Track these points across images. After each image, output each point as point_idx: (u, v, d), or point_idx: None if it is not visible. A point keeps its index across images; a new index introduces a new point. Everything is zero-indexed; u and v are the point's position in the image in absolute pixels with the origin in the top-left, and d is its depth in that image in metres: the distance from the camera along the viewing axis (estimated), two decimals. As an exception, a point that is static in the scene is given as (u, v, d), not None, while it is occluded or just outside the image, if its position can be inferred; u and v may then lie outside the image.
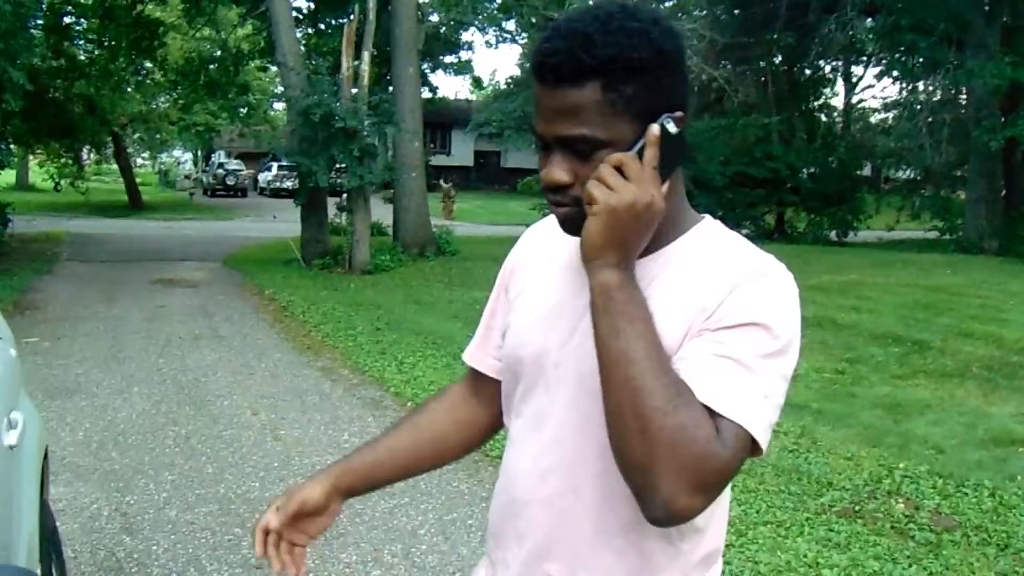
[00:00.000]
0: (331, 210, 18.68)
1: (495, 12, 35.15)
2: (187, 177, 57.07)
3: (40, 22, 23.98)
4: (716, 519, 1.56)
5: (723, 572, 1.66)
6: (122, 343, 10.27)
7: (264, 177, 50.08)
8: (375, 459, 1.84)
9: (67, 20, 28.48)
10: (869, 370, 8.97)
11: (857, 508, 5.49)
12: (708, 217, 1.58)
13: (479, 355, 1.87)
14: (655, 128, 1.38)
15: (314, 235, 18.63)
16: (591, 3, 1.43)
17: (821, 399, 7.96)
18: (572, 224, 1.46)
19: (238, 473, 6.13)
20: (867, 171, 35.72)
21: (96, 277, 16.18)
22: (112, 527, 5.22)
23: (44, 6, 24.30)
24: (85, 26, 29.48)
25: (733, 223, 29.32)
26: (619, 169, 1.36)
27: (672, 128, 1.39)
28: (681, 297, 1.45)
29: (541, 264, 1.69)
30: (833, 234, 28.45)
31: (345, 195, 17.42)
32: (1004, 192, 24.46)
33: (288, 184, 40.04)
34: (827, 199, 28.41)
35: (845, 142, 32.42)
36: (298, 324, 11.78)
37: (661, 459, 1.27)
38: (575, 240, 1.45)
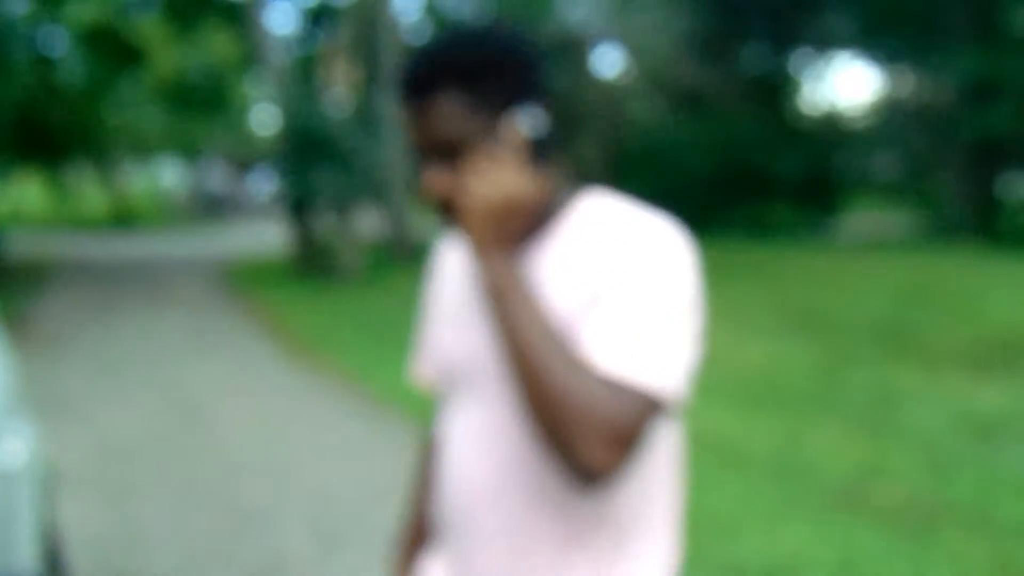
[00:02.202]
0: (321, 220, 18.74)
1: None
2: (176, 192, 56.95)
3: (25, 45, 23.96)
4: (643, 483, 1.63)
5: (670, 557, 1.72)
6: (117, 359, 10.32)
7: (253, 190, 50.04)
8: (421, 522, 1.99)
9: (51, 43, 28.48)
10: (856, 360, 9.04)
11: (849, 497, 5.55)
12: (592, 192, 1.65)
13: (422, 371, 1.98)
14: (514, 124, 1.50)
15: (305, 246, 18.68)
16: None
17: (810, 390, 8.03)
18: (455, 225, 1.56)
19: (237, 484, 6.18)
20: (847, 164, 35.76)
21: (89, 294, 16.22)
22: (115, 542, 5.27)
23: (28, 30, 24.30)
24: (70, 48, 29.47)
25: (715, 222, 29.19)
26: (485, 167, 1.48)
27: (531, 121, 1.51)
28: (572, 271, 1.53)
29: (454, 273, 1.79)
30: (816, 227, 28.48)
31: (335, 206, 17.48)
32: (984, 180, 24.54)
33: (278, 197, 39.98)
34: (810, 193, 28.44)
35: (824, 137, 32.45)
36: (292, 334, 11.82)
37: (574, 428, 1.36)
38: None
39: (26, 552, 2.88)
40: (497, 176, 1.47)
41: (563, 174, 1.64)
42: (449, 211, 1.56)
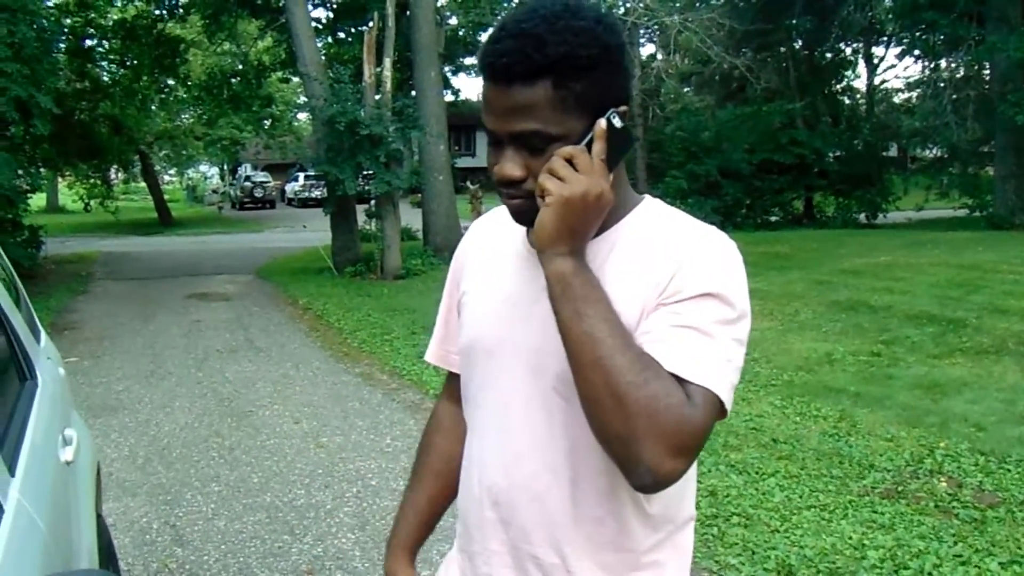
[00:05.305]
0: (360, 217, 18.75)
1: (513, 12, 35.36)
2: (215, 191, 57.42)
3: (63, 46, 24.19)
4: (682, 484, 1.57)
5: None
6: (161, 358, 10.38)
7: (291, 187, 50.28)
8: (424, 519, 1.98)
9: (89, 42, 28.77)
10: (905, 351, 8.95)
11: (900, 488, 5.50)
12: (648, 197, 1.66)
13: (441, 352, 1.97)
14: (602, 123, 1.45)
15: (344, 243, 18.72)
16: (534, 2, 1.49)
17: (858, 382, 7.96)
18: (525, 216, 1.52)
19: (283, 481, 6.20)
20: (893, 152, 35.49)
21: (131, 294, 16.33)
22: (163, 540, 5.30)
23: (66, 30, 24.54)
24: (107, 47, 29.76)
25: (761, 210, 28.85)
26: (570, 162, 1.42)
27: (618, 122, 1.46)
28: (632, 275, 1.51)
29: (490, 256, 1.76)
30: (862, 217, 28.28)
31: (373, 201, 17.48)
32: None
33: (316, 193, 40.16)
34: (854, 182, 28.26)
35: (870, 124, 32.21)
36: (334, 332, 11.85)
37: (640, 429, 1.33)
38: (521, 230, 1.58)
39: (86, 541, 2.90)
40: (584, 173, 1.41)
41: (626, 178, 1.63)
42: (517, 198, 1.52)
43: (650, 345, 1.41)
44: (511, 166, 1.49)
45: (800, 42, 30.25)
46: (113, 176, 38.94)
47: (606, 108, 1.46)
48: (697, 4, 29.81)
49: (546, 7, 1.46)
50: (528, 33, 1.44)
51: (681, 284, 1.45)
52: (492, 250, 1.75)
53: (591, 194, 1.41)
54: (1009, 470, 5.73)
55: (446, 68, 37.03)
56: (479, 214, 29.54)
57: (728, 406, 1.43)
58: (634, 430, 1.33)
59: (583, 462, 1.54)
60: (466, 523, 1.76)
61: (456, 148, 45.22)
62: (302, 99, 37.39)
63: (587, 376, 1.38)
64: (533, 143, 1.47)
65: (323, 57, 22.27)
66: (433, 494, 1.96)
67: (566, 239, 1.42)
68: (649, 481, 1.37)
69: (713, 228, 1.56)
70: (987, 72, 25.37)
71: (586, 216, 1.43)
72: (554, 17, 1.44)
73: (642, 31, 29.00)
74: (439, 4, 23.36)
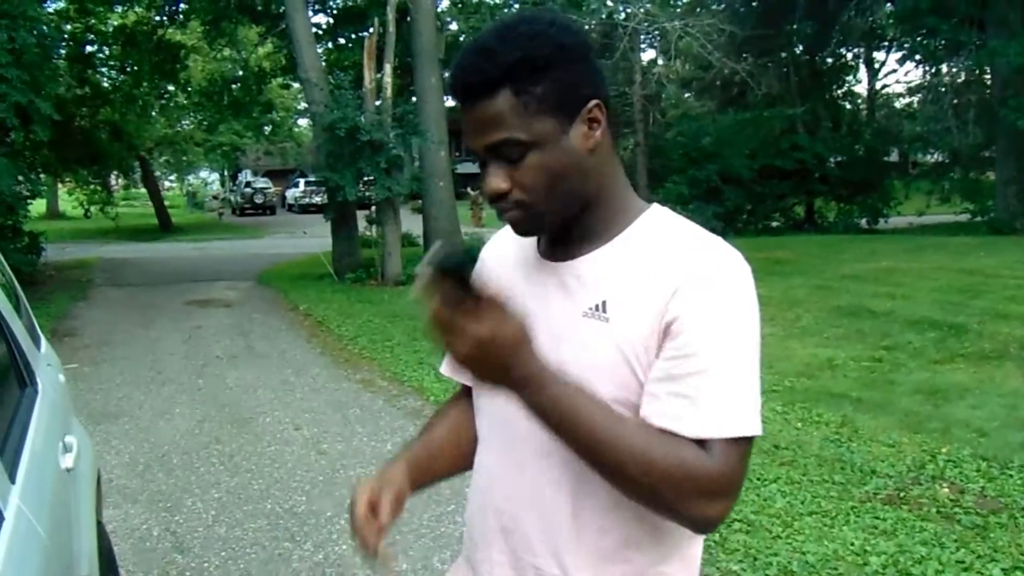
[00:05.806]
0: (361, 223, 18.73)
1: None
2: (215, 197, 57.47)
3: (63, 52, 24.20)
4: None
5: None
6: (161, 365, 10.36)
7: (292, 193, 50.31)
8: (433, 452, 1.86)
9: (90, 49, 28.80)
10: (907, 356, 8.94)
11: (902, 494, 5.48)
12: (656, 205, 1.63)
13: (455, 365, 1.90)
14: (423, 270, 1.34)
15: (345, 249, 18.71)
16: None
17: (860, 388, 7.95)
18: (521, 226, 1.56)
19: (284, 488, 6.18)
20: (895, 157, 35.47)
21: (131, 301, 16.31)
22: (163, 546, 5.28)
23: (67, 36, 24.55)
24: (108, 53, 29.80)
25: (762, 216, 28.82)
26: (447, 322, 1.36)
27: (441, 258, 1.33)
28: (634, 289, 1.50)
29: (502, 268, 1.74)
30: (864, 222, 28.29)
31: (374, 207, 17.47)
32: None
33: (316, 199, 40.16)
34: (856, 187, 28.29)
35: (871, 129, 32.22)
36: (334, 338, 11.84)
37: (670, 498, 1.40)
38: (528, 240, 1.65)
39: (87, 548, 2.89)
40: (459, 334, 1.36)
41: (625, 181, 1.62)
42: (509, 210, 1.53)
43: (658, 418, 1.43)
44: (495, 180, 1.50)
45: (801, 47, 30.27)
46: (113, 182, 38.93)
47: (575, 106, 1.48)
48: (698, 9, 29.84)
49: (503, 22, 1.52)
50: (482, 48, 1.48)
51: (682, 307, 1.44)
52: (507, 260, 1.74)
53: (472, 347, 1.36)
54: (1011, 475, 5.71)
55: (447, 74, 37.00)
56: (480, 220, 29.56)
57: (757, 431, 1.43)
58: (666, 500, 1.40)
59: (584, 472, 1.50)
60: (471, 531, 1.76)
61: (457, 154, 45.16)
62: (302, 105, 37.42)
63: (600, 472, 1.44)
64: (508, 153, 1.48)
65: (323, 63, 22.27)
66: (442, 438, 1.87)
67: (500, 379, 1.41)
68: (701, 528, 1.47)
69: (719, 242, 1.53)
70: (988, 77, 25.39)
71: (493, 358, 1.37)
72: (506, 29, 1.49)
73: (643, 37, 29.00)
74: (439, 10, 23.32)
